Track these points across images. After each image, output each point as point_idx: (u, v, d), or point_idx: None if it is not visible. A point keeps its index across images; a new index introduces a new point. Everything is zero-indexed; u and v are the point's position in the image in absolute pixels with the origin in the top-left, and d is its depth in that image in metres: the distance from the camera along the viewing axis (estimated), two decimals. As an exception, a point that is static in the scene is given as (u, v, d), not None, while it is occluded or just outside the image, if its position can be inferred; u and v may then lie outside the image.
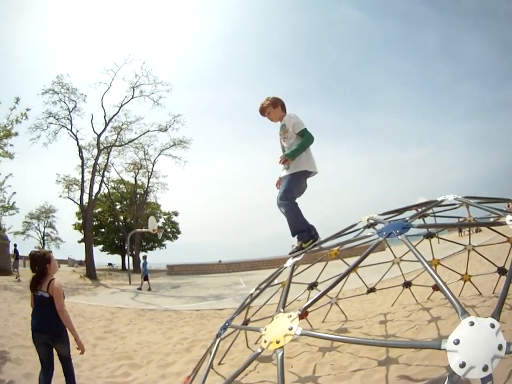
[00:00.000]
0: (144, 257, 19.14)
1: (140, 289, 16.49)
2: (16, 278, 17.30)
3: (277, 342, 1.97)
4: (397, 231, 2.40)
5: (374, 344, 3.99)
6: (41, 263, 3.65)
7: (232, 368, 4.58)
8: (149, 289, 16.61)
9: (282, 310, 2.25)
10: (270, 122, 3.96)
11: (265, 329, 2.15)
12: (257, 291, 4.15)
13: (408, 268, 7.02)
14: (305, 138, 3.57)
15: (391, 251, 6.76)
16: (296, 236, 3.65)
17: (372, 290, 6.81)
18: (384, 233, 2.47)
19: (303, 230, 3.60)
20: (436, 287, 6.38)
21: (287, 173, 3.69)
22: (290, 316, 2.06)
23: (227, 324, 3.31)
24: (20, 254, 20.18)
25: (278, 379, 1.81)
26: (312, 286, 6.18)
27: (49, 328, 3.50)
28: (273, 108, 3.85)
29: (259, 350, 2.11)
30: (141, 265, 19.34)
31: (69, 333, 3.61)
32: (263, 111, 3.90)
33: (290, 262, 3.37)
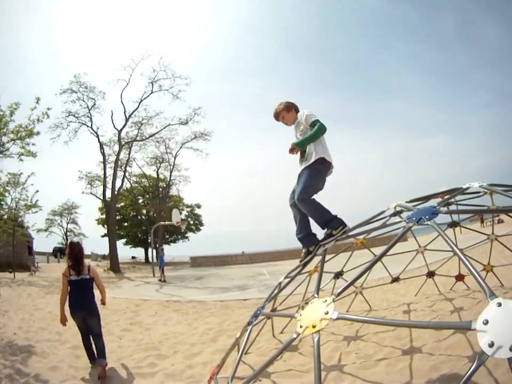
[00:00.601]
0: (162, 250, 19.52)
1: (164, 281, 16.83)
2: (33, 272, 18.40)
3: (313, 327, 1.98)
4: (426, 217, 2.37)
5: (406, 325, 4.23)
6: (81, 250, 4.44)
7: (258, 357, 4.65)
8: (160, 280, 17.04)
9: (316, 296, 2.26)
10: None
11: (300, 315, 2.16)
12: (287, 279, 4.14)
13: (430, 258, 6.98)
14: (316, 127, 3.51)
15: (416, 240, 6.71)
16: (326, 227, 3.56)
17: (396, 280, 6.77)
18: (414, 219, 2.43)
19: (330, 220, 3.52)
20: (458, 278, 6.34)
21: (304, 166, 3.63)
22: (326, 301, 2.06)
23: (259, 312, 3.33)
24: (43, 250, 20.87)
25: (315, 363, 1.85)
26: (338, 275, 6.18)
27: (87, 307, 4.39)
28: (287, 112, 3.89)
29: (294, 335, 2.13)
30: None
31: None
32: (277, 116, 3.94)
33: (321, 249, 3.40)
